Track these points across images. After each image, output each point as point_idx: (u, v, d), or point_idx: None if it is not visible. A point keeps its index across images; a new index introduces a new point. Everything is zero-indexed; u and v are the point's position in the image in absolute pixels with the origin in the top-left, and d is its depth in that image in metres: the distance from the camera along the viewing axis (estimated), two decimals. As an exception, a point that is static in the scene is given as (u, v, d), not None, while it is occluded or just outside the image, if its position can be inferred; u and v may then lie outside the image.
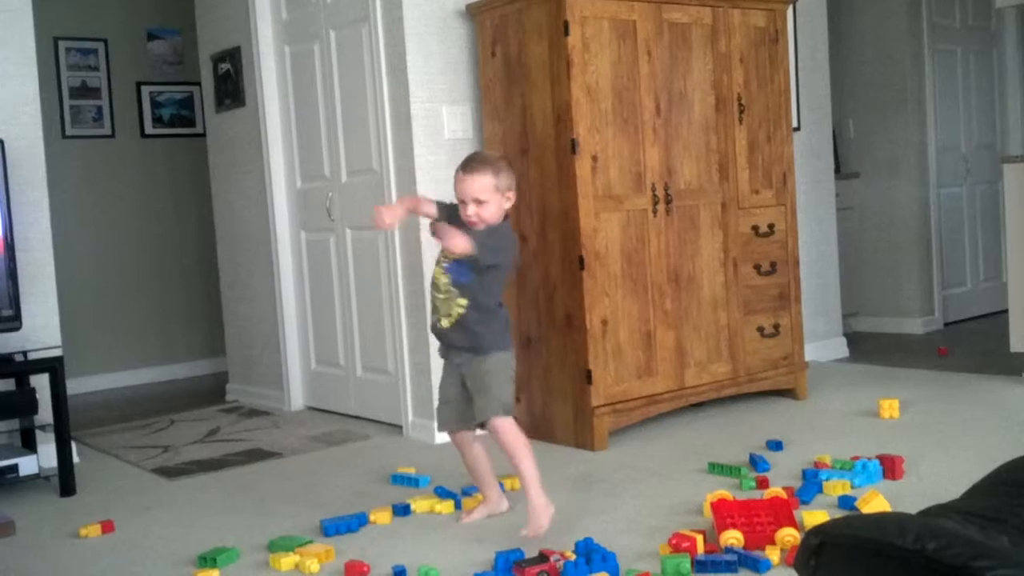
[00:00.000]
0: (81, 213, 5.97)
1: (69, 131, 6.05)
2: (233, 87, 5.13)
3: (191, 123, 6.44)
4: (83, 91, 6.11)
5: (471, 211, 2.75)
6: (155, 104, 6.36)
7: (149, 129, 6.34)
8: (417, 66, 4.07)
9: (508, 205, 2.81)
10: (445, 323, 2.84)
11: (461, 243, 2.67)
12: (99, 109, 6.17)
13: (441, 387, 2.96)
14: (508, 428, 2.78)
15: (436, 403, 3.03)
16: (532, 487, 2.75)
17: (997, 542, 1.42)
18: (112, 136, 6.21)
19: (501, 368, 2.83)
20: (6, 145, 3.71)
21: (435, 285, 2.85)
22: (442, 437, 3.78)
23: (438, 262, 2.85)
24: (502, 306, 2.88)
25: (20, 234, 3.82)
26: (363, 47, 4.31)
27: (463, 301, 2.79)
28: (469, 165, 2.79)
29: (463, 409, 2.89)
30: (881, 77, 6.24)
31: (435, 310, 2.87)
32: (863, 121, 6.37)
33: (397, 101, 4.13)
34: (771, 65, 4.30)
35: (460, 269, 2.78)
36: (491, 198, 2.76)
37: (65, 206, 5.38)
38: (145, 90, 6.32)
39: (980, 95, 6.64)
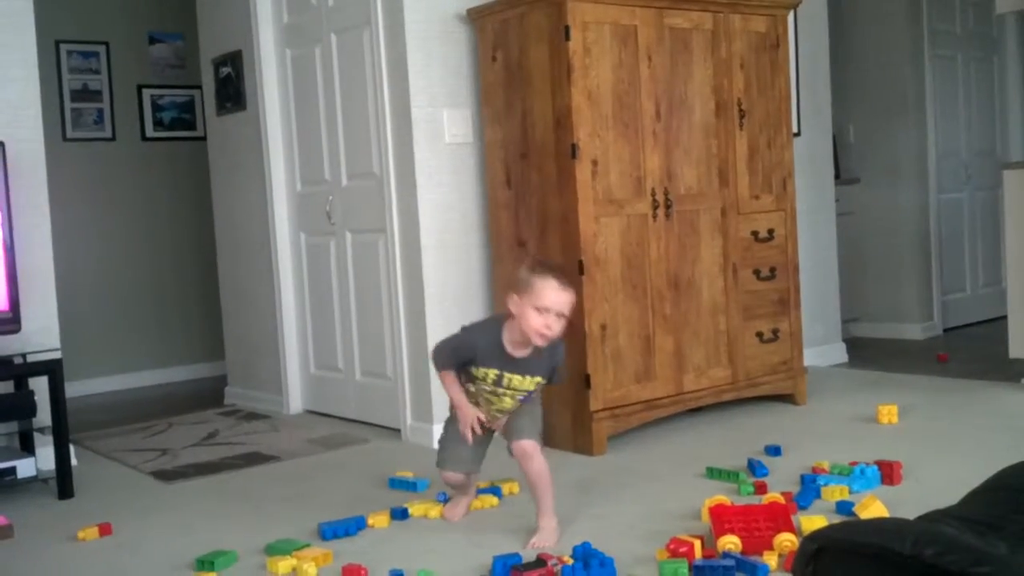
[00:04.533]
0: (81, 216, 5.97)
1: (70, 134, 6.05)
2: (234, 91, 5.13)
3: (192, 126, 6.45)
4: (84, 94, 6.12)
5: (551, 323, 2.64)
6: (156, 107, 6.37)
7: (150, 132, 6.35)
8: (418, 70, 4.07)
9: None
10: (497, 414, 2.86)
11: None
12: (100, 112, 6.17)
13: (456, 425, 2.90)
14: (540, 454, 2.81)
15: (442, 439, 2.98)
16: (552, 512, 2.81)
17: (995, 548, 1.42)
18: (113, 139, 6.21)
19: (540, 399, 2.90)
20: (7, 147, 3.71)
21: (490, 400, 2.82)
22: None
23: (504, 385, 2.78)
24: None
25: (20, 237, 3.82)
26: (364, 51, 4.31)
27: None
28: (563, 279, 2.67)
29: (483, 451, 2.93)
30: (881, 83, 6.24)
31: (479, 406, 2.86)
32: (863, 127, 6.37)
33: (398, 105, 4.13)
34: (772, 70, 4.30)
35: (528, 395, 2.82)
36: (568, 316, 2.70)
37: (65, 209, 5.37)
38: (146, 93, 6.33)
39: (980, 101, 6.65)
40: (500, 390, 2.78)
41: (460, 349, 2.81)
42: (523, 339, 2.70)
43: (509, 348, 2.73)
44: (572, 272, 3.73)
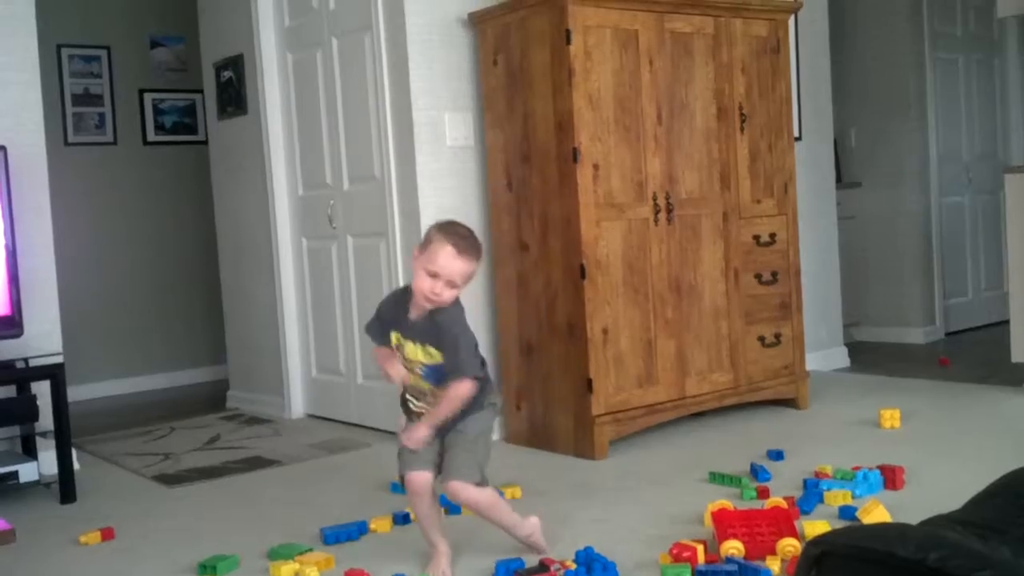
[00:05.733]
0: (83, 220, 5.97)
1: (72, 138, 6.06)
2: (235, 95, 5.14)
3: (193, 130, 6.45)
4: (86, 98, 6.13)
5: (438, 290, 2.48)
6: (157, 111, 6.37)
7: (151, 136, 6.35)
8: (419, 74, 4.08)
9: None
10: (419, 396, 2.64)
11: (464, 393, 2.53)
12: (101, 116, 6.18)
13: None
14: (464, 490, 2.59)
15: (399, 450, 2.67)
16: (517, 528, 2.69)
17: (998, 553, 1.41)
18: (114, 143, 6.22)
19: (485, 429, 2.67)
20: (9, 152, 3.72)
21: (412, 390, 2.62)
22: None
23: (404, 355, 2.59)
24: (484, 365, 2.64)
25: (22, 241, 3.82)
26: (365, 55, 4.32)
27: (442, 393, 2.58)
28: (462, 245, 2.50)
29: (436, 454, 2.63)
30: (883, 86, 6.24)
31: (408, 407, 2.65)
32: (865, 130, 6.37)
33: (399, 109, 4.14)
34: (773, 75, 4.30)
35: (437, 373, 2.57)
36: (462, 286, 2.53)
37: (67, 213, 5.38)
38: (148, 97, 6.33)
39: (982, 104, 6.65)
40: (405, 361, 2.58)
41: (375, 318, 2.67)
42: (417, 300, 2.54)
43: (411, 310, 2.57)
44: (574, 275, 3.73)
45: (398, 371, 2.59)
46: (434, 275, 2.48)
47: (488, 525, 2.93)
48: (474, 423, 2.63)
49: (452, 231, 2.53)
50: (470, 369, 2.55)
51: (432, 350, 2.54)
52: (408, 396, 2.65)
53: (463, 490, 2.58)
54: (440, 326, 2.53)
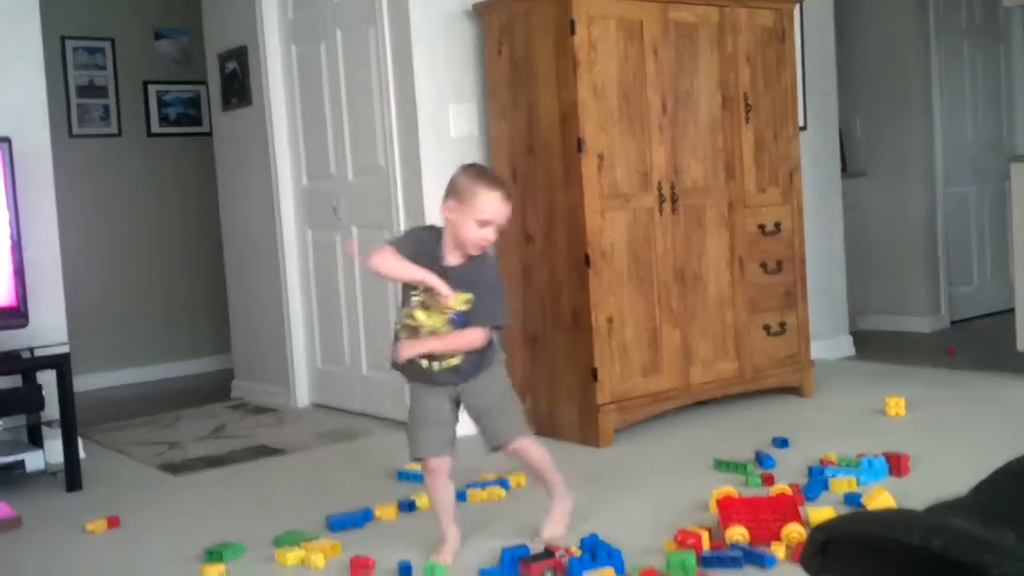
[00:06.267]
0: (88, 212, 5.98)
1: (76, 130, 6.06)
2: (239, 86, 5.14)
3: (198, 122, 6.45)
4: (90, 90, 6.13)
5: (492, 236, 2.52)
6: (162, 103, 6.38)
7: (156, 128, 6.36)
8: (423, 65, 4.08)
9: None
10: (438, 366, 2.58)
11: (479, 339, 2.53)
12: (106, 108, 6.18)
13: (421, 410, 2.63)
14: (533, 444, 2.70)
15: (409, 431, 2.66)
16: (564, 492, 2.75)
17: (1004, 538, 1.42)
18: (119, 135, 6.22)
19: (508, 382, 2.70)
20: (13, 144, 3.72)
21: (417, 331, 2.56)
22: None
23: (425, 308, 2.54)
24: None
25: (27, 232, 3.83)
26: (370, 46, 4.31)
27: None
28: (505, 189, 2.54)
29: (453, 432, 2.65)
30: (888, 75, 6.23)
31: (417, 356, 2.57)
32: (870, 120, 6.36)
33: (403, 100, 4.13)
34: (778, 64, 4.29)
35: (462, 319, 2.55)
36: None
37: (72, 205, 5.38)
38: (152, 89, 6.34)
39: (987, 94, 6.63)
40: (430, 303, 2.54)
41: (403, 242, 2.60)
42: (455, 247, 2.55)
43: (446, 257, 2.56)
44: (579, 265, 3.74)
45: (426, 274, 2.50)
46: (485, 223, 2.50)
47: (492, 514, 2.95)
48: (497, 379, 2.65)
49: (490, 176, 2.58)
50: (500, 317, 2.58)
51: (469, 296, 2.53)
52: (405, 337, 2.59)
53: (533, 445, 2.67)
54: (482, 271, 2.55)
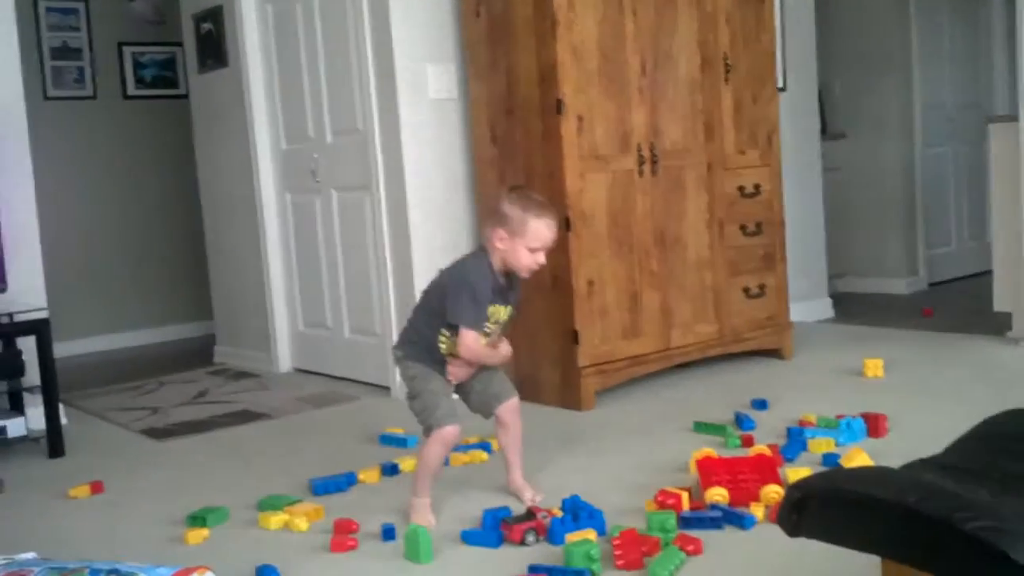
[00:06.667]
0: (65, 175, 5.93)
1: (51, 92, 5.99)
2: (215, 47, 5.08)
3: (174, 84, 6.39)
4: (64, 52, 6.05)
5: (543, 260, 2.64)
6: (137, 65, 6.31)
7: (132, 90, 6.29)
8: (401, 25, 4.04)
9: None
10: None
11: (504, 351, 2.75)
12: (80, 70, 6.11)
13: (436, 380, 2.68)
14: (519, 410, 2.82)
15: (428, 402, 2.65)
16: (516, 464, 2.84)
17: (977, 495, 1.44)
18: (94, 98, 6.16)
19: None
20: (-13, 107, 3.68)
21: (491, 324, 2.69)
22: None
23: (491, 319, 2.67)
24: None
25: (4, 197, 3.79)
26: (346, 5, 4.27)
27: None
28: (552, 215, 2.63)
29: (480, 394, 2.77)
30: (867, 37, 6.22)
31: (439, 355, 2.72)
32: (849, 81, 6.36)
33: (381, 60, 4.10)
34: (757, 24, 4.28)
35: (503, 328, 2.76)
36: None
37: (48, 168, 5.33)
38: (127, 51, 6.26)
39: (966, 54, 6.63)
40: (488, 325, 2.67)
41: (477, 299, 2.63)
42: (503, 271, 2.66)
43: (495, 278, 2.66)
44: (559, 227, 3.73)
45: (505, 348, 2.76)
46: (536, 250, 2.61)
47: (475, 476, 2.97)
48: None
49: (537, 204, 2.64)
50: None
51: (511, 308, 2.73)
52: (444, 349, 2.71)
53: (518, 410, 2.79)
54: (517, 286, 2.72)
